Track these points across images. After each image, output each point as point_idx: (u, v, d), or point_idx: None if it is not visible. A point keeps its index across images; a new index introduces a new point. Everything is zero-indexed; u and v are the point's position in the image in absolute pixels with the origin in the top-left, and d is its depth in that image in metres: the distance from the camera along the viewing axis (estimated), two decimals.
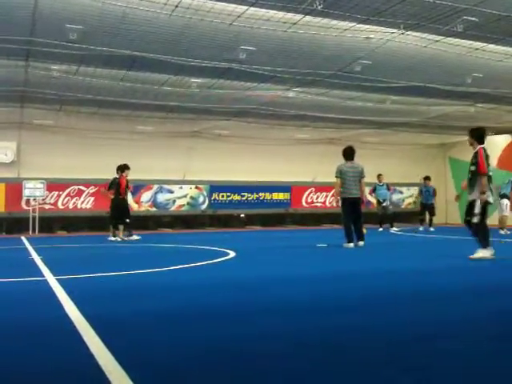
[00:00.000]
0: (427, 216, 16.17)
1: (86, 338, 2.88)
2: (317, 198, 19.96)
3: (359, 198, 9.45)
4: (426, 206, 16.07)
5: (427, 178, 16.08)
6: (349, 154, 9.68)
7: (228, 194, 18.28)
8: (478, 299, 4.15)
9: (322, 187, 19.87)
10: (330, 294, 4.44)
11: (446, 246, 6.96)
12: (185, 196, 17.68)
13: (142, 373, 2.32)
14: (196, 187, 17.81)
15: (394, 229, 15.81)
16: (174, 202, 17.54)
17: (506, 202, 13.51)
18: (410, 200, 21.61)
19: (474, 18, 7.90)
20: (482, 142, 7.10)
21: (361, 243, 9.29)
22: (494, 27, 8.21)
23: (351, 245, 9.24)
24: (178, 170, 17.06)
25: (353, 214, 9.43)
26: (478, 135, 7.17)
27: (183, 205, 17.66)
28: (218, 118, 14.67)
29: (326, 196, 20.05)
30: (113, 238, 12.10)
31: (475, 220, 6.78)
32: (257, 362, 2.49)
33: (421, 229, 15.56)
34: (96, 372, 2.30)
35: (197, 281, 5.34)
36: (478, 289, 4.66)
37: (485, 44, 9.05)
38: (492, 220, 13.45)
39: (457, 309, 3.74)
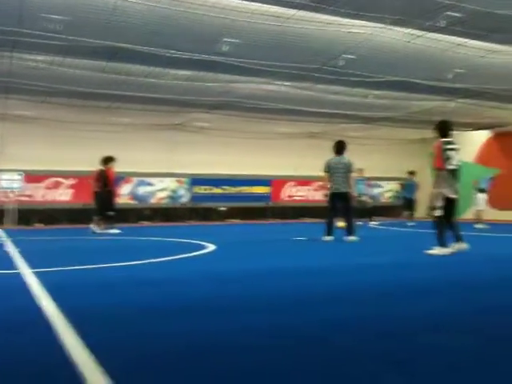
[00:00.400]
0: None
1: (60, 331, 2.81)
2: (297, 192, 19.99)
3: (347, 192, 9.36)
4: (408, 200, 16.10)
5: (412, 173, 16.14)
6: (338, 148, 9.60)
7: (209, 187, 18.18)
8: (459, 293, 4.15)
9: (303, 181, 19.91)
10: (311, 288, 4.39)
11: (427, 240, 7.02)
12: (165, 189, 17.54)
13: (117, 366, 2.26)
14: (177, 180, 17.67)
15: (373, 223, 15.89)
16: (155, 194, 17.39)
17: (482, 196, 13.66)
18: (390, 194, 21.79)
19: (457, 14, 7.93)
20: (444, 136, 6.93)
21: (350, 238, 9.16)
22: (477, 23, 8.25)
23: (328, 238, 9.19)
24: (158, 163, 16.88)
25: (341, 209, 9.44)
26: (440, 128, 7.03)
27: (163, 198, 17.52)
28: (200, 110, 14.54)
29: (307, 190, 20.09)
30: (98, 230, 11.96)
31: (436, 213, 6.80)
32: (237, 356, 2.44)
33: (411, 223, 15.11)
34: (70, 365, 2.25)
35: (176, 274, 5.28)
36: (458, 282, 4.67)
37: (467, 40, 9.11)
38: (467, 214, 13.76)
39: (440, 302, 3.73)
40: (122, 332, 2.91)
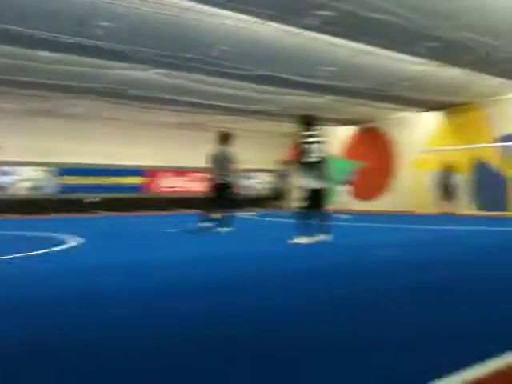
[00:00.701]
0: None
1: None
2: (173, 183, 19.73)
3: (227, 183, 9.32)
4: (281, 190, 16.44)
5: (284, 163, 16.46)
6: (221, 139, 9.49)
7: (79, 177, 17.22)
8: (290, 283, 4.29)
9: (179, 171, 19.69)
10: (174, 281, 4.27)
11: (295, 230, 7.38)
12: (30, 179, 16.28)
13: None
14: (43, 170, 16.48)
15: (247, 213, 16.22)
16: (17, 184, 16.05)
17: (343, 188, 14.53)
18: (263, 185, 22.38)
19: (329, 13, 8.22)
20: (307, 129, 7.14)
21: (224, 229, 9.17)
22: (347, 24, 8.64)
23: (204, 224, 9.19)
24: (22, 151, 15.60)
25: (218, 199, 9.38)
26: (302, 121, 7.24)
27: (28, 188, 16.25)
28: (70, 95, 13.62)
29: (183, 180, 19.91)
30: None
31: (298, 204, 7.08)
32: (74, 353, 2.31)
33: (283, 213, 15.59)
34: None
35: (35, 269, 4.93)
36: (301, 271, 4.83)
37: (338, 39, 9.51)
38: (334, 205, 14.57)
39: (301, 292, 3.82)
40: None
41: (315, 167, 7.01)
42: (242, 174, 16.98)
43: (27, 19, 7.91)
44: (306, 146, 7.03)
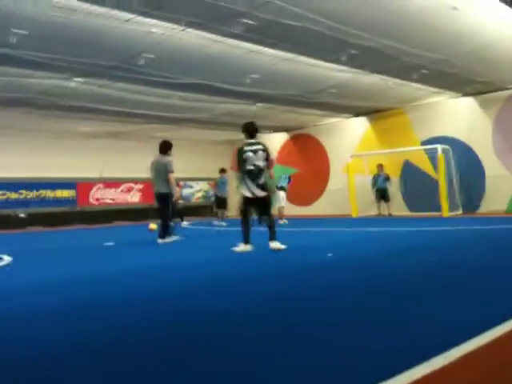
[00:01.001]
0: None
1: None
2: (106, 195, 19.30)
3: (166, 193, 9.04)
4: (220, 198, 16.07)
5: (223, 171, 16.26)
6: (160, 148, 9.30)
7: (3, 191, 16.51)
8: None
9: (111, 183, 19.30)
10: (100, 295, 4.19)
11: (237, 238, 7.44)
12: None
13: None
14: None
15: (185, 223, 16.07)
16: None
17: (282, 194, 14.70)
18: (200, 194, 22.31)
19: (251, 21, 8.35)
20: (250, 137, 7.19)
21: (164, 240, 9.08)
22: (269, 32, 8.79)
23: (159, 241, 9.03)
24: None
25: (158, 210, 9.25)
26: (244, 129, 7.30)
27: None
28: None
29: (116, 192, 19.51)
30: None
31: (240, 212, 7.13)
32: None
33: (222, 222, 15.32)
34: None
35: None
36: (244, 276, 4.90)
37: (260, 47, 9.67)
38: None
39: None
40: None
41: (251, 176, 6.97)
42: (179, 183, 16.80)
43: None
44: (245, 154, 7.02)
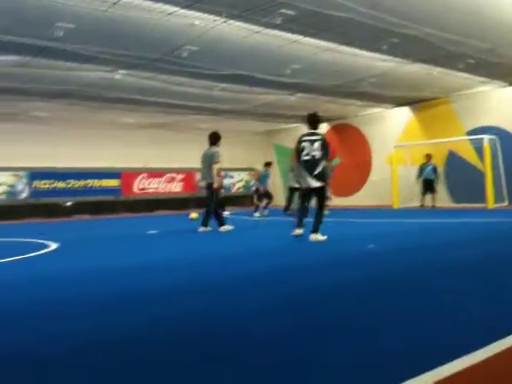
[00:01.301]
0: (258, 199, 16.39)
1: None
2: (149, 184, 19.70)
3: (211, 183, 9.29)
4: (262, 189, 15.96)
5: (268, 164, 16.30)
6: (209, 139, 9.55)
7: (51, 181, 17.10)
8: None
9: (154, 173, 19.68)
10: (157, 284, 4.31)
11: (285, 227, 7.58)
12: (1, 184, 16.11)
13: None
14: (14, 174, 16.33)
15: (226, 212, 16.19)
16: None
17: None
18: (240, 184, 22.47)
19: (291, 12, 8.35)
20: (312, 128, 7.22)
21: (201, 228, 9.33)
22: (309, 21, 8.77)
23: (200, 229, 9.28)
24: None
25: (206, 200, 9.47)
26: (306, 120, 7.35)
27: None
28: (37, 99, 13.51)
29: (159, 182, 19.89)
30: None
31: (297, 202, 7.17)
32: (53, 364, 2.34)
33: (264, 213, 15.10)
34: None
35: (6, 277, 4.85)
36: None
37: (301, 37, 9.65)
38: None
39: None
40: None
41: (311, 166, 6.96)
42: (221, 173, 16.96)
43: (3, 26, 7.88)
44: (301, 144, 7.05)
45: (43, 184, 16.97)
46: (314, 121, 7.31)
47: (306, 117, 7.42)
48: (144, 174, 19.53)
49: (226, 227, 9.31)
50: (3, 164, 15.87)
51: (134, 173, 19.19)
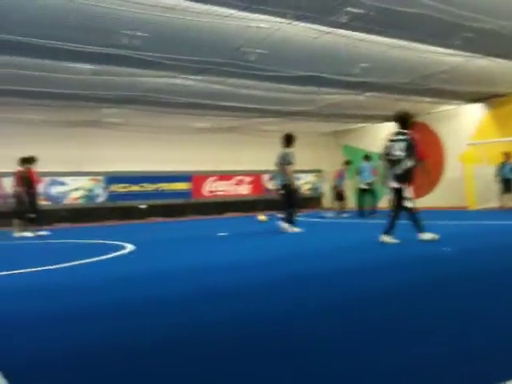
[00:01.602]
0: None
1: None
2: (218, 187, 20.06)
3: (285, 184, 9.42)
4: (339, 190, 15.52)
5: (347, 163, 15.79)
6: (283, 141, 9.66)
7: (127, 185, 17.83)
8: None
9: (224, 176, 20.01)
10: (224, 285, 4.37)
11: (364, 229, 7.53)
12: (80, 188, 16.99)
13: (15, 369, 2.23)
14: (92, 178, 17.17)
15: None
16: (69, 194, 16.80)
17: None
18: (308, 186, 22.40)
19: (357, 10, 8.25)
20: (402, 127, 7.04)
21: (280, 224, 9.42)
22: (377, 19, 8.62)
23: (287, 227, 9.35)
24: (71, 161, 16.32)
25: (281, 201, 9.62)
26: (394, 120, 7.20)
27: (79, 197, 16.97)
28: (113, 105, 14.16)
29: (228, 184, 20.20)
30: (24, 234, 11.54)
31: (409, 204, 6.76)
32: (129, 359, 2.45)
33: (343, 214, 15.03)
34: None
35: (86, 278, 5.09)
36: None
37: (369, 35, 9.50)
38: (383, 203, 14.40)
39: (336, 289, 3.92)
40: (23, 340, 2.82)
41: (394, 165, 6.83)
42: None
43: (60, 33, 8.31)
44: (389, 143, 6.96)
45: (119, 188, 17.72)
46: (401, 120, 7.09)
47: (394, 116, 7.25)
48: (213, 177, 19.91)
49: (294, 229, 9.28)
50: (83, 169, 16.71)
51: (203, 176, 19.61)
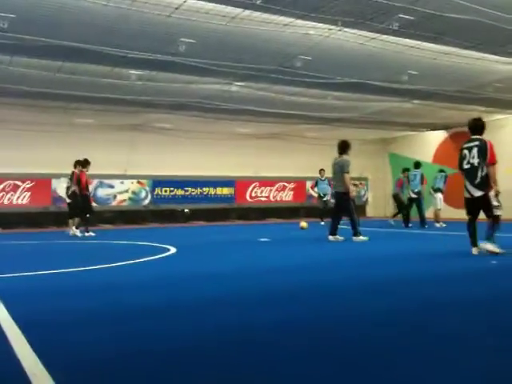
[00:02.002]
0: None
1: (10, 339, 2.79)
2: (261, 193, 20.08)
3: (340, 192, 9.33)
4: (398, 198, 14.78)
5: (406, 170, 14.76)
6: (338, 148, 9.61)
7: (171, 188, 18.08)
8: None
9: (266, 181, 20.02)
10: (254, 289, 4.40)
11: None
12: (126, 191, 17.36)
13: (66, 374, 2.26)
14: (138, 182, 17.51)
15: (322, 223, 15.99)
16: (115, 197, 17.19)
17: (439, 195, 13.98)
18: (353, 194, 22.14)
19: (408, 17, 8.12)
20: (474, 134, 6.79)
21: (330, 238, 9.24)
22: (428, 26, 8.47)
23: (331, 238, 9.24)
24: (119, 165, 16.71)
25: (336, 209, 9.53)
26: (468, 126, 6.90)
27: (125, 200, 17.34)
28: (160, 111, 14.45)
29: (270, 190, 20.19)
30: (77, 233, 11.95)
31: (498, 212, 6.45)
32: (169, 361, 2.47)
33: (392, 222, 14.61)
34: (19, 374, 2.23)
35: (132, 278, 5.21)
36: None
37: (419, 42, 9.34)
38: (428, 213, 14.08)
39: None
40: (74, 338, 2.89)
41: (471, 174, 6.58)
42: (329, 183, 16.87)
43: (116, 40, 8.55)
44: (463, 152, 6.75)
45: (164, 191, 18.00)
46: (475, 127, 6.84)
47: (468, 123, 6.97)
48: (256, 183, 19.95)
49: (361, 238, 9.08)
50: (129, 172, 17.08)
51: (247, 181, 19.67)
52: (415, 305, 3.59)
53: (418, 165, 14.02)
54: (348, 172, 9.23)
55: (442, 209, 14.21)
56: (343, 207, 9.29)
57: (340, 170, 9.28)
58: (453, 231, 11.43)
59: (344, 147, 9.48)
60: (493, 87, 12.24)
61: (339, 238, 9.25)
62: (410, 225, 13.45)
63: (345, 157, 9.43)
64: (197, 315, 3.39)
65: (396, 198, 14.77)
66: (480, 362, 2.28)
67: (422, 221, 13.34)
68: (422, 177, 13.48)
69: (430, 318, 3.15)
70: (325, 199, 15.90)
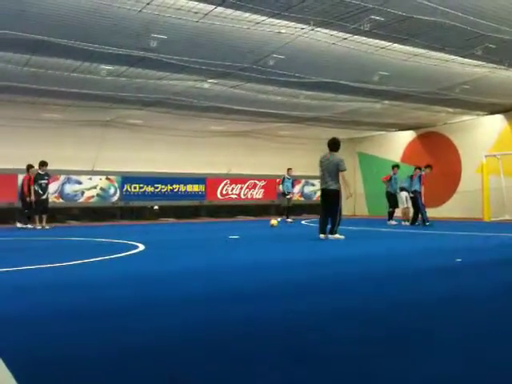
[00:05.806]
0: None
1: None
2: (232, 190, 20.03)
3: (333, 189, 9.15)
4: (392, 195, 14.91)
5: (396, 166, 15.19)
6: (328, 145, 9.49)
7: (141, 185, 17.86)
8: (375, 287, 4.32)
9: (237, 179, 19.99)
10: (223, 286, 4.41)
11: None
12: (94, 187, 17.06)
13: (29, 373, 2.22)
14: (107, 178, 17.24)
15: (289, 220, 16.22)
16: (83, 193, 16.86)
17: (404, 194, 14.20)
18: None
19: (380, 18, 8.21)
20: None
21: (333, 236, 9.07)
22: (399, 27, 8.58)
23: (321, 236, 9.11)
24: (88, 161, 16.43)
25: (325, 206, 9.30)
26: None
27: (93, 196, 17.04)
28: (131, 107, 14.25)
29: (241, 188, 20.17)
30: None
31: None
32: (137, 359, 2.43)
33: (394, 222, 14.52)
34: None
35: (97, 276, 5.12)
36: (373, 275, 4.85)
37: (390, 43, 9.45)
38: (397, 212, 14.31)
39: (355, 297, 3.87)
40: (37, 336, 2.83)
41: None
42: (295, 180, 17.09)
43: (88, 35, 8.39)
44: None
45: (133, 188, 17.76)
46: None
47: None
48: (227, 180, 19.90)
49: (338, 236, 9.04)
50: (98, 168, 16.80)
51: (218, 179, 19.60)
52: (381, 304, 3.62)
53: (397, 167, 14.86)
54: (345, 169, 9.22)
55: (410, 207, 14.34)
56: (333, 205, 9.11)
57: (335, 167, 9.13)
58: (425, 230, 11.62)
59: (336, 145, 9.39)
60: (460, 89, 12.49)
61: (330, 236, 9.11)
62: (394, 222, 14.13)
63: (337, 154, 9.33)
64: (163, 313, 3.35)
65: (388, 195, 14.96)
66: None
67: (414, 219, 13.72)
68: (421, 177, 13.75)
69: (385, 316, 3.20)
70: (288, 197, 16.28)
